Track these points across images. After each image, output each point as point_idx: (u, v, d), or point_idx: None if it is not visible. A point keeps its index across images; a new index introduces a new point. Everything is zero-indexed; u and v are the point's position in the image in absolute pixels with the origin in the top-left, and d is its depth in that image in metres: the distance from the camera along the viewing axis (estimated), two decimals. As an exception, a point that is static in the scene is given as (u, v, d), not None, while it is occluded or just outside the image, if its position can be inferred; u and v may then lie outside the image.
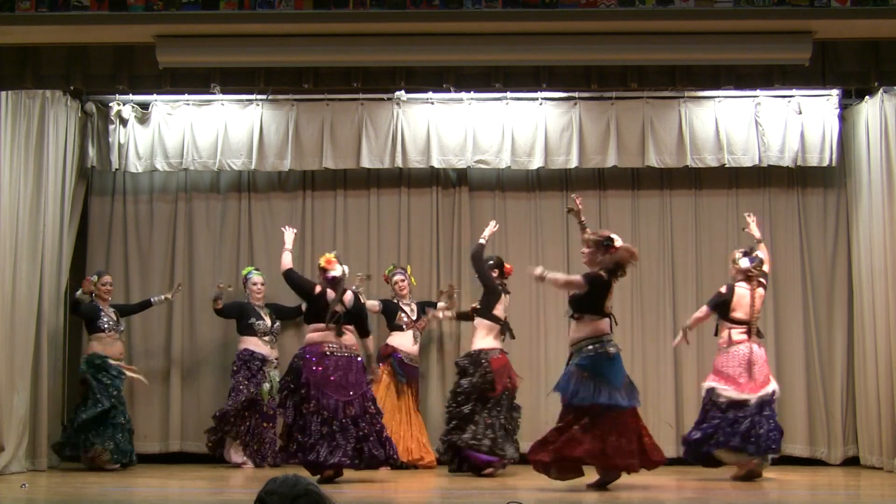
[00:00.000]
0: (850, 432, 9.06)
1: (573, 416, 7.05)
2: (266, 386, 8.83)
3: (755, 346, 7.89)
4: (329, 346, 7.52)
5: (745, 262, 7.97)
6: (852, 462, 8.95)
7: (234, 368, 8.86)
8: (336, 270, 7.68)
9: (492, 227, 8.38)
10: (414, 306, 8.95)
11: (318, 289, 7.67)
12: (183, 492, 7.79)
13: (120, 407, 8.57)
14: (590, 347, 7.10)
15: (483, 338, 8.13)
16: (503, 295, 8.24)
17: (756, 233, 8.25)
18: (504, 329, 8.20)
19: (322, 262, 7.79)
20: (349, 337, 7.61)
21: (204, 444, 9.02)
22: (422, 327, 8.97)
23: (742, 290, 7.96)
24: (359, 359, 7.66)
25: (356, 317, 7.70)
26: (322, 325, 7.54)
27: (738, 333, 7.90)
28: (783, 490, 7.50)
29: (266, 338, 8.95)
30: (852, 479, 8.38)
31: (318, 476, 7.26)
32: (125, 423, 8.58)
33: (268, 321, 8.99)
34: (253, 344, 8.90)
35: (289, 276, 7.79)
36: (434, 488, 7.87)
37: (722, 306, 7.98)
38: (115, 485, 7.71)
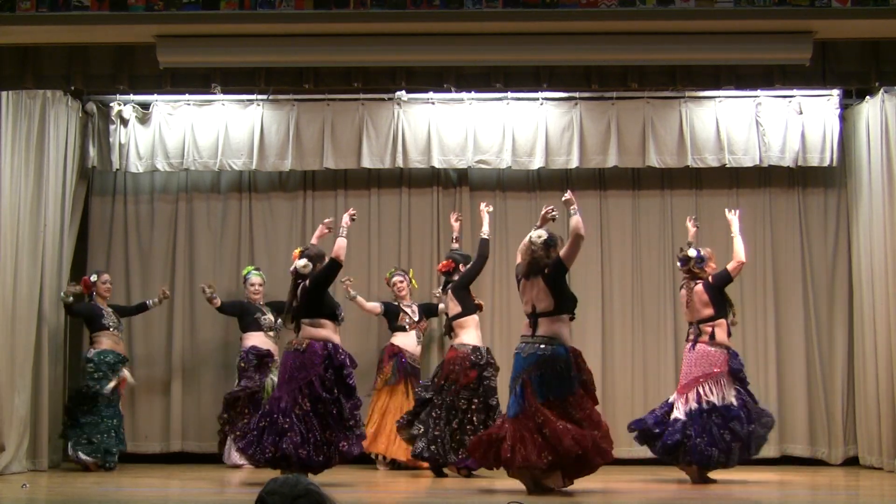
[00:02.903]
0: (851, 432, 9.05)
1: None
2: (269, 381, 8.82)
3: (688, 347, 7.86)
4: (291, 342, 7.48)
5: (692, 252, 7.92)
6: (852, 462, 8.95)
7: (242, 365, 8.83)
8: (293, 265, 7.46)
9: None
10: (415, 308, 8.95)
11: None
12: (183, 492, 7.79)
13: (115, 407, 8.56)
14: None
15: None
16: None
17: (734, 228, 8.03)
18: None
19: None
20: (308, 331, 7.32)
21: (204, 444, 9.07)
22: (423, 328, 8.98)
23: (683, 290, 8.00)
24: (301, 352, 7.30)
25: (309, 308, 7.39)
26: None
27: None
28: (783, 490, 7.50)
29: (271, 333, 8.97)
30: (852, 479, 8.38)
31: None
32: (118, 424, 8.57)
33: (270, 316, 9.00)
34: (259, 340, 8.89)
35: None
36: (433, 489, 7.87)
37: None
38: (115, 485, 7.71)
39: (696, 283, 7.84)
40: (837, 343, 9.18)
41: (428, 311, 9.05)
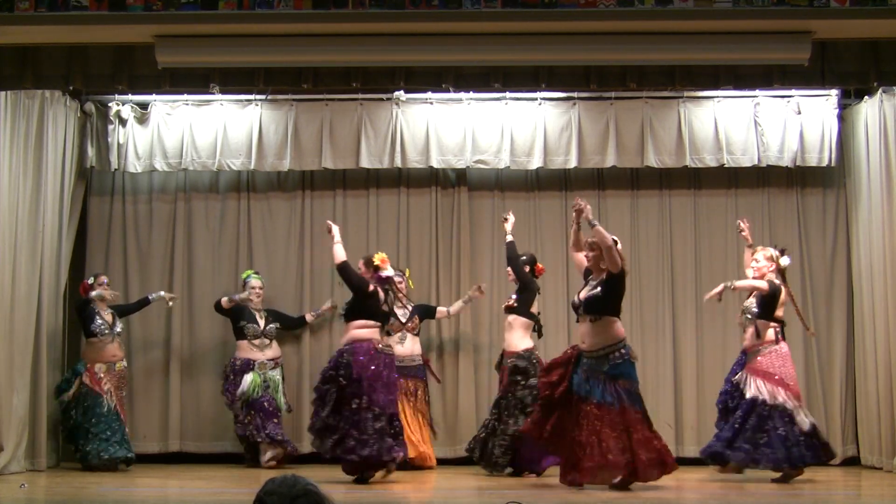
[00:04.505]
0: (850, 432, 9.06)
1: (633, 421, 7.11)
2: (245, 389, 8.67)
3: (782, 345, 7.91)
4: (379, 344, 7.68)
5: (785, 261, 7.97)
6: (852, 462, 8.94)
7: (226, 373, 8.86)
8: (388, 271, 7.86)
9: (511, 220, 8.37)
10: (408, 308, 8.89)
11: (371, 287, 7.74)
12: (182, 492, 7.79)
13: (117, 414, 8.54)
14: (616, 355, 7.05)
15: (523, 337, 8.16)
16: (538, 293, 8.32)
17: (749, 239, 8.24)
18: (536, 326, 8.25)
19: (377, 260, 7.86)
20: (383, 337, 7.88)
21: (203, 444, 9.09)
22: (412, 329, 8.89)
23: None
24: (392, 357, 7.85)
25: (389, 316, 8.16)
26: (371, 322, 7.67)
27: (776, 332, 7.92)
28: (783, 490, 7.50)
29: (256, 341, 8.86)
30: (852, 478, 8.38)
31: (361, 474, 7.52)
32: (117, 427, 8.51)
33: (260, 324, 8.92)
34: (243, 349, 8.85)
35: (344, 269, 7.73)
36: (435, 488, 7.88)
37: (774, 303, 7.90)
38: (114, 485, 7.71)
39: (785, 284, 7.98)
40: (836, 342, 9.18)
41: (426, 312, 9.01)
